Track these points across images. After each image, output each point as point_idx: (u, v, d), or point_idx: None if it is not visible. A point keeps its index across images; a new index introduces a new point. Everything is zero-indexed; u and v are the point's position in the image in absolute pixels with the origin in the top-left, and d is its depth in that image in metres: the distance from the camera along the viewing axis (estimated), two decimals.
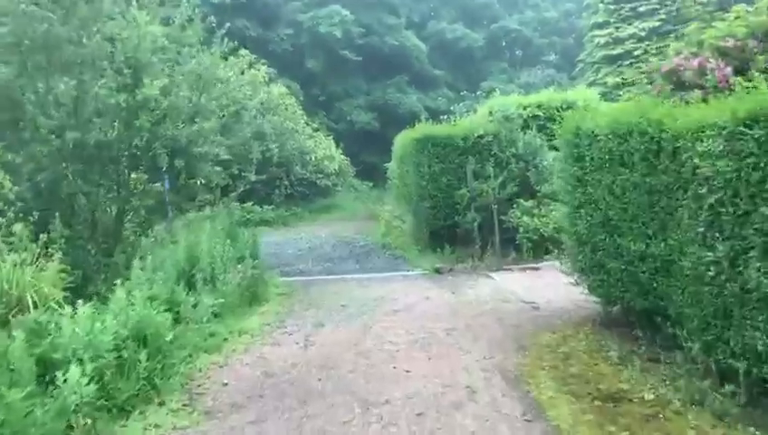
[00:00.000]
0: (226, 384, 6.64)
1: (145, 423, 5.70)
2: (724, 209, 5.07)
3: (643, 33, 26.66)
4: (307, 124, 27.31)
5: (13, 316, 6.47)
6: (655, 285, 6.44)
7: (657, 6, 26.68)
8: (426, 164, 13.92)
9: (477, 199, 13.33)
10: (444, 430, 5.36)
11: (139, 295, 6.87)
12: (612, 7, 27.89)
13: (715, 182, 5.11)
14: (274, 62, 28.24)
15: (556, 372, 6.56)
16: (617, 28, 27.66)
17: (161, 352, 6.67)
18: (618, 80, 26.54)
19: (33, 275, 7.35)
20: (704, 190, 5.28)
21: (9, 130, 9.66)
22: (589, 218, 7.54)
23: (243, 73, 19.05)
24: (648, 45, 26.29)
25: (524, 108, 15.32)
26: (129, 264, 8.42)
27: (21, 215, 8.46)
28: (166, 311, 7.31)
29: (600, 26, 28.54)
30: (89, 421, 5.10)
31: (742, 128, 4.80)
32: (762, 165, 4.69)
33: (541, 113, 15.21)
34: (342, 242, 18.35)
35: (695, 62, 7.65)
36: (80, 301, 6.30)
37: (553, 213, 12.03)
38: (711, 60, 7.55)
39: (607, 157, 6.98)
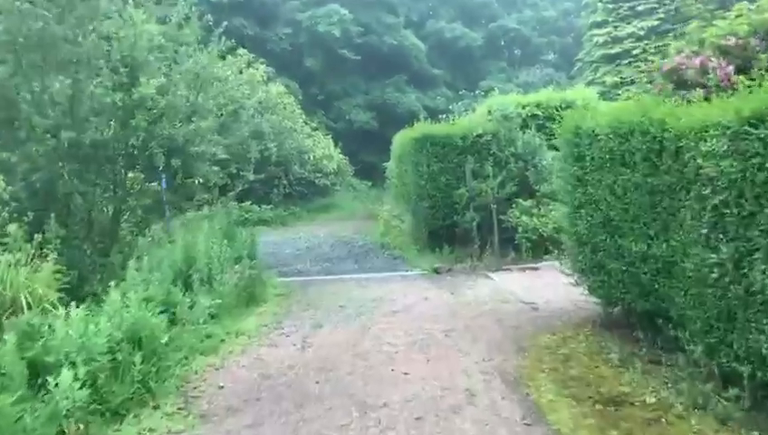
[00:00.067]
0: (222, 387, 6.56)
1: (139, 427, 5.60)
2: (728, 210, 4.98)
3: (642, 33, 26.62)
4: (306, 123, 27.23)
5: (6, 318, 6.39)
6: (656, 286, 6.35)
7: (656, 5, 26.64)
8: (424, 163, 13.84)
9: (476, 199, 13.24)
10: (443, 434, 5.27)
11: (134, 297, 6.77)
12: (611, 6, 27.83)
13: (720, 183, 5.03)
14: (273, 61, 28.14)
15: (556, 375, 6.47)
16: (615, 27, 27.61)
17: (156, 354, 6.57)
18: (616, 79, 26.49)
19: (28, 276, 7.27)
20: (707, 191, 5.19)
21: (4, 130, 9.56)
22: (589, 219, 7.46)
23: (241, 72, 19.02)
24: (646, 44, 26.25)
25: (523, 107, 15.25)
26: (126, 264, 8.35)
27: (15, 215, 8.38)
28: (162, 312, 7.23)
29: (598, 25, 28.48)
30: (81, 426, 5.02)
31: (747, 127, 4.71)
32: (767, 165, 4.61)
33: (540, 112, 15.15)
34: (341, 242, 18.27)
35: (696, 61, 7.57)
36: (73, 302, 6.21)
37: (552, 213, 11.96)
38: (713, 58, 7.47)
39: (608, 156, 6.90)
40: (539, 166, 13.41)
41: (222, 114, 12.81)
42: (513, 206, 13.19)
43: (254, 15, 32.65)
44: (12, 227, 7.77)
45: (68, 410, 4.93)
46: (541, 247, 12.53)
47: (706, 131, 5.18)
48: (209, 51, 11.21)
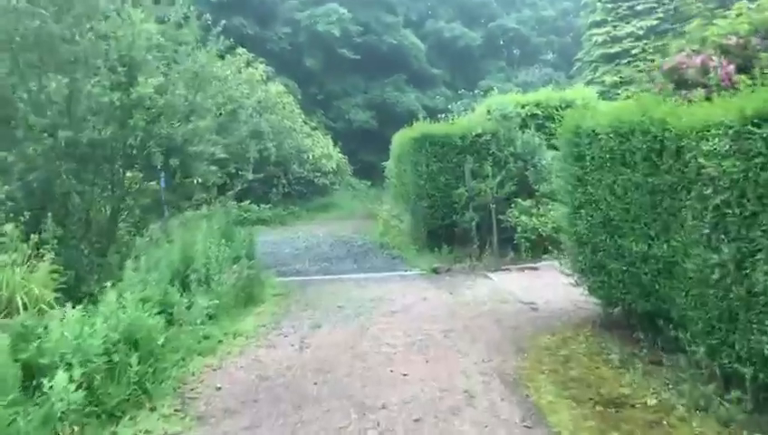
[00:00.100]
0: (220, 388, 6.50)
1: (135, 429, 5.55)
2: (730, 211, 4.93)
3: (641, 32, 26.61)
4: (305, 123, 27.16)
5: (2, 318, 6.34)
6: (657, 286, 6.30)
7: (655, 5, 26.63)
8: (424, 163, 13.80)
9: (475, 199, 13.19)
10: None
11: (130, 297, 6.73)
12: (610, 6, 27.82)
13: (721, 182, 4.98)
14: (272, 60, 28.02)
15: (556, 376, 6.42)
16: (614, 27, 27.60)
17: (153, 355, 6.52)
18: (615, 78, 26.48)
19: (24, 276, 7.20)
20: (709, 191, 5.14)
21: (1, 129, 9.50)
22: (589, 219, 7.41)
23: (240, 72, 18.97)
24: (645, 44, 26.27)
25: (523, 106, 15.22)
26: (123, 264, 8.29)
27: (12, 215, 8.33)
28: (159, 313, 7.17)
29: (597, 25, 28.46)
30: (76, 429, 4.96)
31: (750, 127, 4.67)
32: None
33: (539, 112, 15.12)
34: (340, 241, 18.23)
35: (697, 60, 7.52)
36: (69, 303, 6.17)
37: (552, 213, 11.91)
38: (713, 57, 7.42)
39: (608, 156, 6.85)
40: (538, 165, 13.37)
41: (221, 114, 12.76)
42: (513, 205, 13.15)
43: (254, 15, 32.56)
44: (8, 227, 7.71)
45: (62, 412, 4.88)
46: (540, 247, 12.49)
47: (708, 131, 5.14)
48: (208, 50, 11.17)
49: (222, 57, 12.34)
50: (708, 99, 6.28)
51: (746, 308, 4.90)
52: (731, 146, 4.86)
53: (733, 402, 5.11)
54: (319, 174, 26.22)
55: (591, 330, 7.82)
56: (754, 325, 4.83)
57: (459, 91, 32.35)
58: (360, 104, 35.90)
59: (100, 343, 5.75)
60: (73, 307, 6.15)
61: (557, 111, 14.55)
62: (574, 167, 7.64)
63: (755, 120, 4.66)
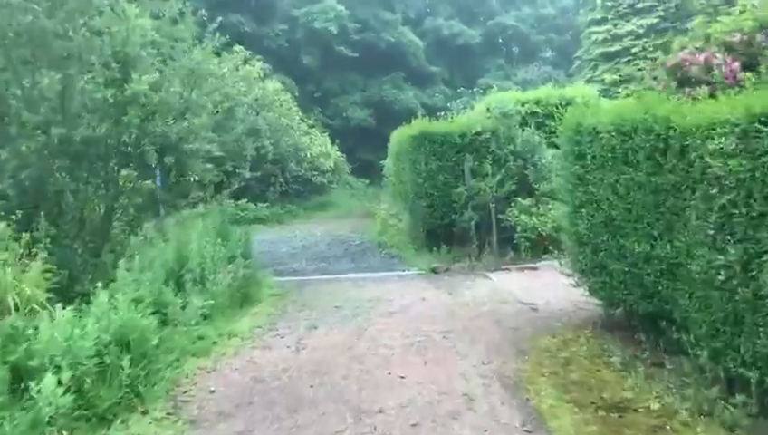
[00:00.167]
0: (214, 391, 6.38)
1: (127, 433, 5.43)
2: (736, 211, 4.80)
3: (641, 30, 26.54)
4: (302, 121, 27.04)
5: None
6: (660, 288, 6.18)
7: (656, 3, 26.55)
8: (422, 161, 13.67)
9: (475, 198, 13.07)
10: None
11: (122, 298, 6.59)
12: (610, 4, 27.74)
13: (727, 182, 4.85)
14: (269, 57, 27.91)
15: (557, 379, 6.30)
16: (614, 25, 27.53)
17: (146, 357, 6.39)
18: (615, 77, 26.43)
19: (15, 276, 7.07)
20: (714, 190, 5.02)
21: None
22: (590, 218, 7.29)
23: (237, 70, 18.85)
24: (645, 42, 26.22)
25: (522, 104, 15.10)
26: (118, 263, 8.15)
27: (3, 213, 8.20)
28: (152, 313, 7.05)
29: (597, 23, 28.38)
30: (65, 434, 4.83)
31: (757, 125, 4.54)
32: None
33: (539, 110, 15.01)
34: (338, 240, 18.12)
35: (701, 57, 7.38)
36: (59, 304, 6.04)
37: (552, 212, 11.81)
38: (717, 55, 7.29)
39: (610, 155, 6.73)
40: (538, 164, 13.26)
41: (218, 111, 12.64)
42: (512, 205, 13.03)
43: (251, 12, 32.48)
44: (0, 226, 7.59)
45: (51, 416, 4.75)
46: (540, 247, 12.39)
47: (714, 129, 5.00)
48: (204, 47, 11.05)
49: (218, 54, 12.21)
50: (713, 96, 6.16)
51: (752, 311, 4.77)
52: (737, 144, 4.73)
53: (737, 407, 4.98)
54: (316, 172, 26.10)
55: (592, 331, 7.70)
56: (761, 328, 4.71)
57: (458, 90, 32.24)
58: (358, 102, 35.77)
59: (91, 345, 5.62)
60: (64, 308, 6.02)
61: (557, 108, 14.41)
62: (575, 165, 7.52)
63: (763, 118, 4.54)
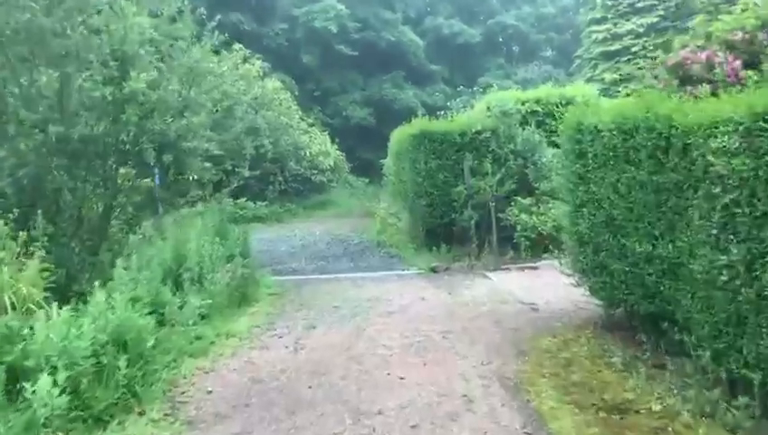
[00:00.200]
0: (211, 392, 6.32)
1: (123, 434, 5.37)
2: (739, 210, 4.75)
3: (641, 30, 26.48)
4: (302, 119, 26.99)
5: None
6: (661, 288, 6.12)
7: (656, 2, 26.47)
8: (422, 160, 13.62)
9: (474, 197, 13.01)
10: None
11: (119, 297, 6.53)
12: (610, 3, 27.67)
13: (730, 181, 4.79)
14: (269, 56, 27.86)
15: (557, 380, 6.24)
16: (615, 24, 27.46)
17: (143, 357, 6.34)
18: (615, 76, 26.38)
19: (12, 275, 7.02)
20: (717, 190, 4.96)
21: None
22: (591, 218, 7.23)
23: (237, 68, 18.80)
24: (645, 42, 26.16)
25: (523, 103, 15.05)
26: (115, 262, 8.10)
27: (0, 211, 8.14)
28: (150, 313, 6.99)
29: (597, 22, 28.31)
30: None
31: (761, 123, 4.49)
32: None
33: (539, 109, 14.96)
34: (337, 239, 18.05)
35: (702, 56, 7.32)
36: (55, 304, 5.98)
37: (552, 211, 11.76)
38: (719, 53, 7.23)
39: (611, 153, 6.67)
40: (538, 163, 13.21)
41: (217, 110, 12.59)
42: (512, 204, 12.98)
43: (251, 11, 32.41)
44: None
45: (46, 418, 4.69)
46: (540, 246, 12.35)
47: (717, 127, 4.95)
48: (202, 45, 11.00)
49: (217, 53, 12.16)
50: (715, 95, 6.11)
51: (756, 311, 4.71)
52: (741, 143, 4.68)
53: (740, 409, 4.92)
54: (316, 171, 26.04)
55: (593, 332, 7.65)
56: (764, 329, 4.65)
57: (458, 88, 32.22)
58: (358, 101, 35.68)
59: (87, 345, 5.56)
60: (60, 307, 5.97)
61: (557, 107, 14.41)
62: (576, 164, 7.47)
63: (766, 117, 4.48)
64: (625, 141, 6.39)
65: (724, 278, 4.98)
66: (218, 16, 11.67)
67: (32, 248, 7.60)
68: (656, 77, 8.08)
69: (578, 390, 5.95)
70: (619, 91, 23.79)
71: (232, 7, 28.76)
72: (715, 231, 5.05)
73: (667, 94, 6.74)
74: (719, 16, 8.23)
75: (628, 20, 26.97)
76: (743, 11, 7.91)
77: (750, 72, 6.65)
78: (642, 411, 5.38)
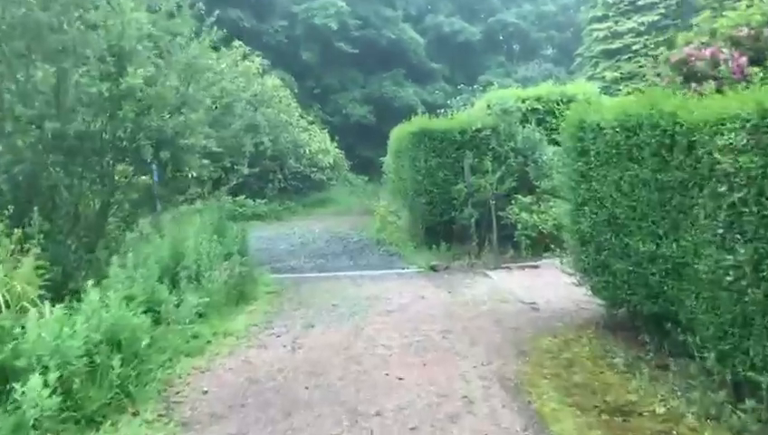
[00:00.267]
0: (207, 392, 6.22)
1: None
2: (746, 209, 4.64)
3: (642, 28, 26.42)
4: (302, 117, 26.86)
5: None
6: (665, 288, 6.02)
7: (657, 0, 26.37)
8: (422, 158, 13.52)
9: (475, 195, 12.91)
10: None
11: (114, 296, 6.42)
12: (611, 1, 27.62)
13: (738, 179, 4.69)
14: (269, 53, 27.72)
15: (559, 381, 6.14)
16: (616, 22, 27.39)
17: (138, 356, 6.24)
18: (616, 74, 26.30)
19: (6, 273, 6.92)
20: (723, 188, 4.85)
21: None
22: (593, 216, 7.13)
23: (236, 65, 18.69)
24: (647, 40, 26.09)
25: (523, 101, 14.93)
26: (112, 260, 8.01)
27: None
28: (145, 312, 6.91)
29: (598, 20, 28.24)
30: None
31: None
32: None
33: (540, 107, 14.85)
34: (336, 237, 17.95)
35: (707, 52, 7.24)
36: (47, 302, 5.88)
37: (553, 209, 11.66)
38: (724, 50, 7.14)
39: (614, 151, 6.57)
40: (539, 161, 13.10)
41: (216, 107, 12.49)
42: (513, 202, 12.87)
43: (250, 8, 32.27)
44: None
45: (36, 419, 4.58)
46: (540, 245, 12.26)
47: (723, 124, 4.85)
48: (201, 41, 10.89)
49: (216, 49, 12.05)
50: (720, 92, 6.00)
51: (763, 313, 4.61)
52: (748, 140, 4.57)
53: (747, 412, 4.81)
54: (315, 169, 25.93)
55: (594, 332, 7.55)
56: None
57: (458, 86, 32.04)
58: (358, 99, 35.55)
59: (80, 344, 5.45)
60: (53, 305, 5.87)
61: (558, 105, 14.38)
62: (578, 162, 7.36)
63: None
64: (628, 139, 6.29)
65: (730, 279, 4.87)
66: (217, 12, 11.56)
67: (27, 246, 7.51)
68: (659, 74, 8.00)
69: (580, 391, 5.85)
70: (619, 90, 23.74)
71: (231, 4, 28.62)
72: (720, 230, 4.95)
73: (671, 91, 6.63)
74: (724, 12, 8.15)
75: (629, 18, 26.90)
76: (748, 7, 7.83)
77: (756, 69, 6.57)
78: (645, 414, 5.28)
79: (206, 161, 11.50)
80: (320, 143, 26.69)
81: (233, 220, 15.13)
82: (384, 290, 10.62)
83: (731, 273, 4.85)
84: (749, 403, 4.81)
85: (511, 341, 7.49)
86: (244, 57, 21.63)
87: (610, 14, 27.60)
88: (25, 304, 6.46)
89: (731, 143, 4.72)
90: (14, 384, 4.69)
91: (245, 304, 9.81)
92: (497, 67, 42.41)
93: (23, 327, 5.45)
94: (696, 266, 5.39)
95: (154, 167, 11.42)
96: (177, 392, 6.20)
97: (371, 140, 30.28)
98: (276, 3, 34.74)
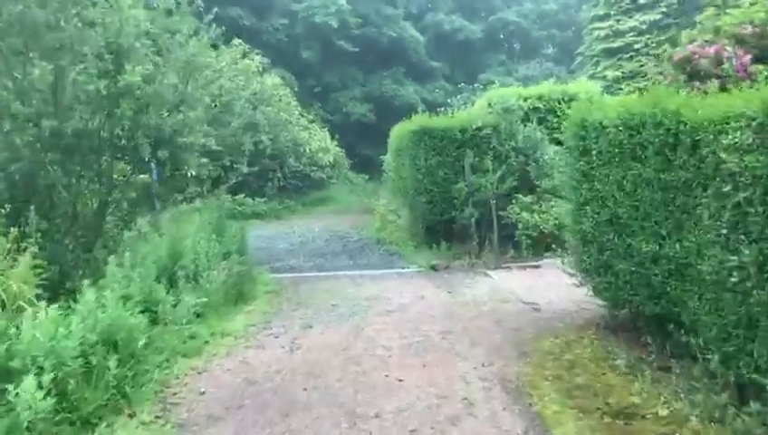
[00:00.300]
0: (204, 393, 6.15)
1: None
2: (752, 209, 4.56)
3: (644, 27, 26.36)
4: (301, 115, 26.79)
5: None
6: (668, 289, 5.94)
7: None
8: (422, 157, 13.43)
9: (475, 194, 12.83)
10: None
11: (110, 295, 6.35)
12: (612, 0, 27.46)
13: (743, 178, 4.61)
14: (269, 52, 27.64)
15: (560, 383, 6.06)
16: (617, 21, 27.33)
17: (134, 357, 6.18)
18: (617, 73, 26.23)
19: (2, 272, 6.85)
20: (728, 187, 4.77)
21: None
22: (595, 216, 7.05)
23: (236, 63, 18.62)
24: (648, 39, 26.03)
25: (525, 100, 14.82)
26: (109, 259, 7.94)
27: None
28: (142, 311, 6.84)
29: (600, 19, 28.17)
30: None
31: None
32: None
33: (541, 105, 14.74)
34: (336, 236, 17.86)
35: (711, 50, 7.16)
36: (42, 302, 5.81)
37: (554, 209, 11.59)
38: (728, 48, 7.06)
39: (616, 150, 6.49)
40: (540, 160, 13.01)
41: (216, 105, 12.41)
42: (513, 201, 12.79)
43: (250, 6, 32.18)
44: None
45: (30, 421, 4.51)
46: (541, 245, 12.19)
47: (728, 123, 4.77)
48: (199, 39, 10.82)
49: (215, 47, 11.98)
50: (724, 90, 5.93)
51: None
52: (754, 139, 4.50)
53: (752, 415, 4.73)
54: (315, 168, 25.86)
55: (596, 332, 7.48)
56: None
57: (459, 85, 31.96)
58: (358, 97, 35.49)
59: (75, 345, 5.38)
60: (48, 305, 5.80)
61: (559, 104, 14.28)
62: (580, 161, 7.28)
63: None
64: (631, 138, 6.21)
65: (734, 280, 4.79)
66: (215, 9, 11.49)
67: (24, 245, 7.44)
68: (661, 73, 7.92)
69: (581, 393, 5.78)
70: (621, 89, 23.68)
71: (231, 2, 28.59)
72: (725, 231, 4.87)
73: (674, 90, 6.56)
74: (727, 10, 8.07)
75: (630, 17, 26.84)
76: (752, 4, 7.76)
77: (760, 67, 6.50)
78: (648, 417, 5.20)
79: (205, 160, 11.43)
80: (320, 142, 26.62)
81: (232, 219, 15.09)
82: (384, 290, 10.54)
83: (735, 274, 4.77)
84: (754, 406, 4.74)
85: (512, 341, 7.42)
86: (244, 55, 21.60)
87: (612, 12, 27.54)
88: (22, 303, 6.40)
89: (736, 142, 4.65)
90: (7, 386, 4.61)
91: (244, 303, 9.73)
92: (498, 66, 42.35)
93: (17, 327, 5.39)
94: (699, 267, 5.32)
95: (153, 165, 11.36)
96: (174, 393, 6.14)
97: (371, 139, 30.23)
98: (276, 1, 34.68)
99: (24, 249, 7.33)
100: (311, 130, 26.82)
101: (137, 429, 5.38)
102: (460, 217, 13.05)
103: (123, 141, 9.84)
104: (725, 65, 6.84)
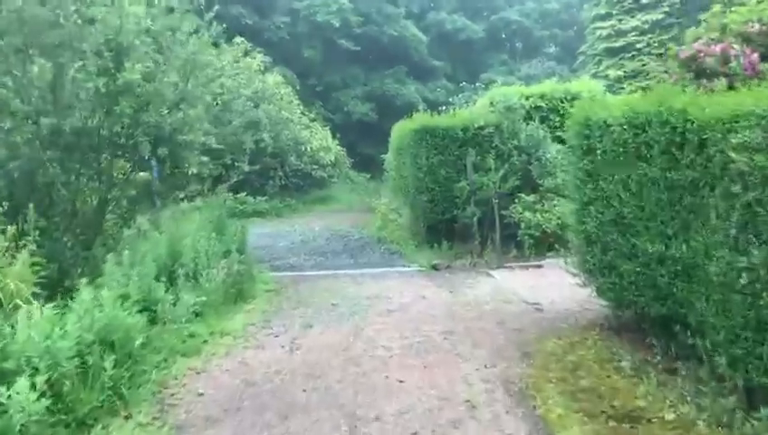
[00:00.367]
0: (202, 394, 6.06)
1: None
2: (761, 209, 4.47)
3: (646, 26, 26.30)
4: (303, 114, 26.72)
5: None
6: (674, 290, 5.84)
7: None
8: (424, 156, 13.33)
9: (477, 193, 12.74)
10: None
11: (108, 294, 6.26)
12: None
13: (752, 178, 4.52)
14: (270, 50, 27.60)
15: (564, 386, 5.96)
16: (619, 20, 27.26)
17: (132, 357, 6.09)
18: (619, 72, 26.15)
19: None
20: (737, 187, 4.68)
21: None
22: (599, 216, 6.96)
23: (237, 62, 18.56)
24: (650, 38, 25.97)
25: (527, 98, 14.72)
26: (107, 257, 7.86)
27: None
28: (140, 311, 6.75)
29: (602, 18, 28.11)
30: None
31: None
32: None
33: (544, 104, 14.63)
34: (337, 235, 17.77)
35: (717, 48, 7.07)
36: (40, 301, 5.72)
37: (557, 208, 11.50)
38: (735, 46, 6.97)
39: (621, 149, 6.39)
40: (543, 159, 12.92)
41: (217, 103, 12.34)
42: (516, 201, 12.69)
43: (252, 4, 32.12)
44: None
45: (22, 424, 4.42)
46: (544, 244, 12.10)
47: (737, 122, 4.68)
48: (200, 37, 10.74)
49: (216, 45, 11.90)
50: (732, 88, 5.84)
51: None
52: (764, 138, 4.40)
53: (762, 420, 4.63)
54: (317, 166, 25.79)
55: (600, 334, 7.38)
56: None
57: (461, 84, 31.87)
58: (360, 96, 35.43)
59: (71, 345, 5.29)
60: (46, 303, 5.72)
61: (562, 103, 14.18)
62: (583, 160, 7.19)
63: None
64: (636, 136, 6.12)
65: (743, 281, 4.70)
66: (216, 7, 11.41)
67: (23, 242, 7.36)
68: (666, 71, 7.82)
69: (586, 396, 5.68)
70: (623, 88, 23.60)
71: (233, 0, 28.49)
72: (733, 231, 4.78)
73: (680, 88, 6.46)
74: (733, 8, 7.97)
75: (632, 16, 26.76)
76: (758, 2, 7.66)
77: None
78: (655, 420, 5.10)
79: (205, 158, 11.35)
80: (321, 140, 26.56)
81: (233, 217, 14.99)
82: (384, 289, 10.45)
83: (744, 275, 4.68)
84: (763, 411, 4.64)
85: (514, 342, 7.33)
86: (246, 54, 21.56)
87: (614, 12, 27.47)
88: (19, 302, 6.31)
89: (746, 141, 4.55)
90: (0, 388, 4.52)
91: (244, 302, 9.64)
92: (500, 65, 42.26)
93: (12, 327, 5.30)
94: (706, 268, 5.22)
95: (153, 163, 11.28)
96: (172, 394, 6.04)
97: (373, 138, 30.16)
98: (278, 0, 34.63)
99: (23, 247, 7.25)
100: (312, 129, 26.76)
101: (133, 430, 5.29)
102: (462, 216, 12.96)
103: (123, 139, 9.77)
104: (733, 63, 6.75)
